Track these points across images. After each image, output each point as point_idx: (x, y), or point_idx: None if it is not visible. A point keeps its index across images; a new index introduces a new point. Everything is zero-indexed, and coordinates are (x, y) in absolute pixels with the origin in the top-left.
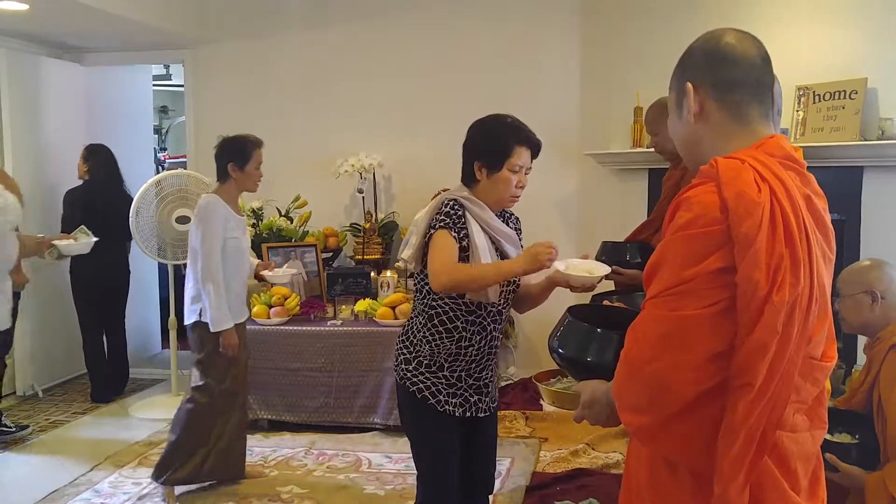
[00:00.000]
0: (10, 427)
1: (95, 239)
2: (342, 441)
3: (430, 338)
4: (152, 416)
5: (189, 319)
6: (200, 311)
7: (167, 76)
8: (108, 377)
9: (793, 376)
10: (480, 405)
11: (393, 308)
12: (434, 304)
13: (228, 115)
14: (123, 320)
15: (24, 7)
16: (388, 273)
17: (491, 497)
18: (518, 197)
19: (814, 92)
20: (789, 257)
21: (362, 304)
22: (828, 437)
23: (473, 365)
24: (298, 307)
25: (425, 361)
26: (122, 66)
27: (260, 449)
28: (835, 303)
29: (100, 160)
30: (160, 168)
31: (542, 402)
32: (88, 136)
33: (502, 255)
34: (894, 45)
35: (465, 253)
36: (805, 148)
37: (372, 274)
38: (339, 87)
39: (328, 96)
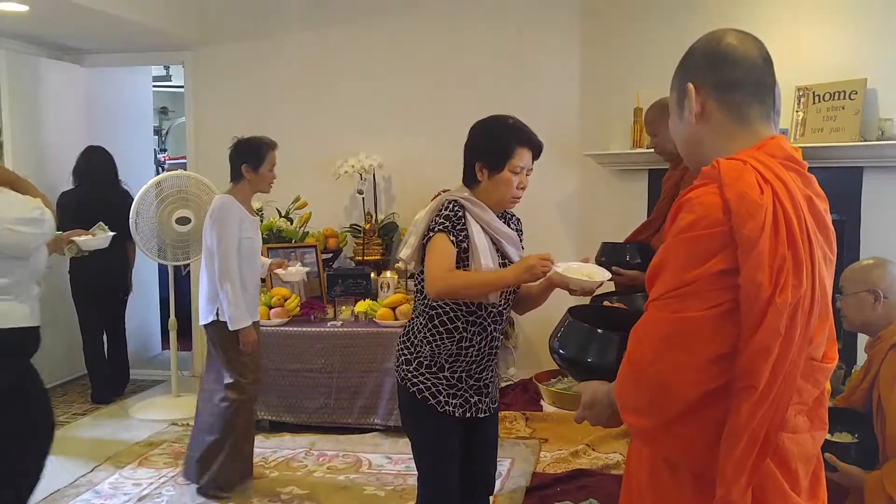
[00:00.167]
0: None
1: (113, 234)
2: (342, 442)
3: (430, 338)
4: (152, 416)
5: (206, 319)
6: (218, 310)
7: (167, 77)
8: (108, 378)
9: (795, 378)
10: (481, 406)
11: (393, 309)
12: (434, 304)
13: (228, 116)
14: (124, 321)
15: (24, 8)
16: (388, 274)
17: (491, 498)
18: (519, 198)
19: (813, 92)
20: (792, 259)
21: (362, 305)
22: (827, 436)
23: (474, 366)
24: (298, 308)
25: (426, 362)
26: (122, 68)
27: (260, 450)
28: (837, 301)
29: (92, 163)
30: (160, 169)
31: (542, 402)
32: (88, 138)
33: (503, 255)
34: (894, 46)
35: (465, 254)
36: (805, 148)
37: (372, 275)
38: (339, 87)
39: (328, 97)
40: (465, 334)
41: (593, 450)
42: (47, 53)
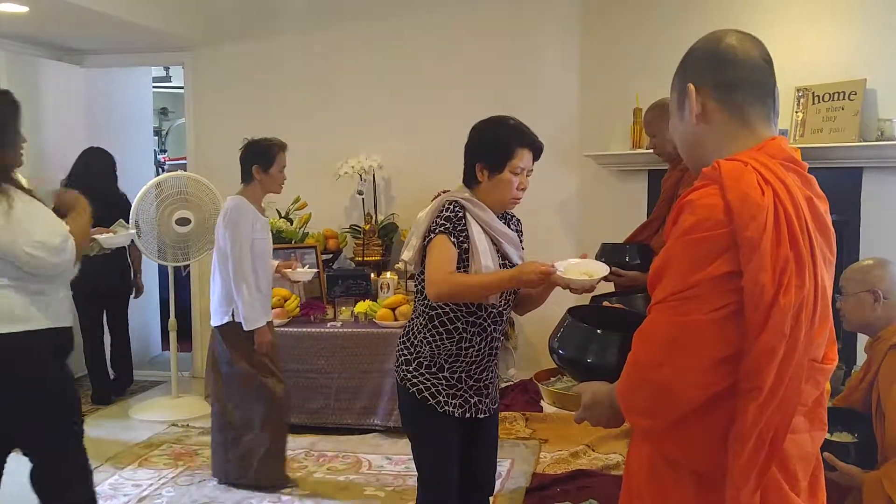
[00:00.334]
0: None
1: (134, 231)
2: (342, 442)
3: (430, 339)
4: (152, 417)
5: (221, 321)
6: (233, 311)
7: (167, 78)
8: (112, 380)
9: (801, 379)
10: (481, 406)
11: (393, 309)
12: (434, 305)
13: (228, 117)
14: (126, 322)
15: (24, 9)
16: (388, 274)
17: (491, 498)
18: (519, 199)
19: (813, 93)
20: (794, 259)
21: (362, 306)
22: (826, 436)
23: (474, 366)
24: (298, 309)
25: (425, 362)
26: (122, 68)
27: None
28: (837, 301)
29: (90, 165)
30: (160, 170)
31: (542, 402)
32: (88, 139)
33: (503, 256)
34: (894, 46)
35: (465, 255)
36: (804, 149)
37: (372, 275)
38: (339, 88)
39: (328, 98)
40: (464, 335)
41: (593, 450)
42: (47, 54)
